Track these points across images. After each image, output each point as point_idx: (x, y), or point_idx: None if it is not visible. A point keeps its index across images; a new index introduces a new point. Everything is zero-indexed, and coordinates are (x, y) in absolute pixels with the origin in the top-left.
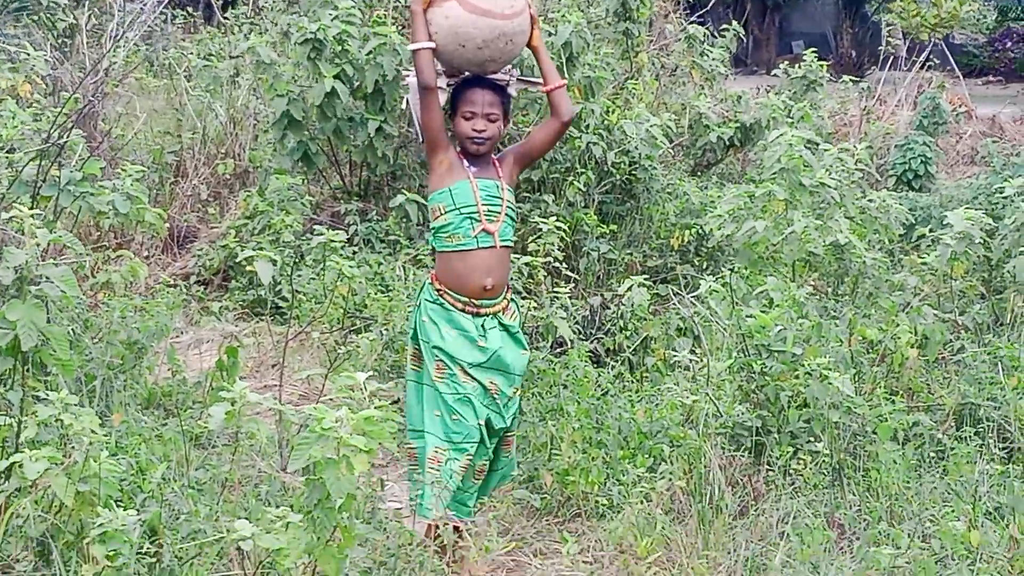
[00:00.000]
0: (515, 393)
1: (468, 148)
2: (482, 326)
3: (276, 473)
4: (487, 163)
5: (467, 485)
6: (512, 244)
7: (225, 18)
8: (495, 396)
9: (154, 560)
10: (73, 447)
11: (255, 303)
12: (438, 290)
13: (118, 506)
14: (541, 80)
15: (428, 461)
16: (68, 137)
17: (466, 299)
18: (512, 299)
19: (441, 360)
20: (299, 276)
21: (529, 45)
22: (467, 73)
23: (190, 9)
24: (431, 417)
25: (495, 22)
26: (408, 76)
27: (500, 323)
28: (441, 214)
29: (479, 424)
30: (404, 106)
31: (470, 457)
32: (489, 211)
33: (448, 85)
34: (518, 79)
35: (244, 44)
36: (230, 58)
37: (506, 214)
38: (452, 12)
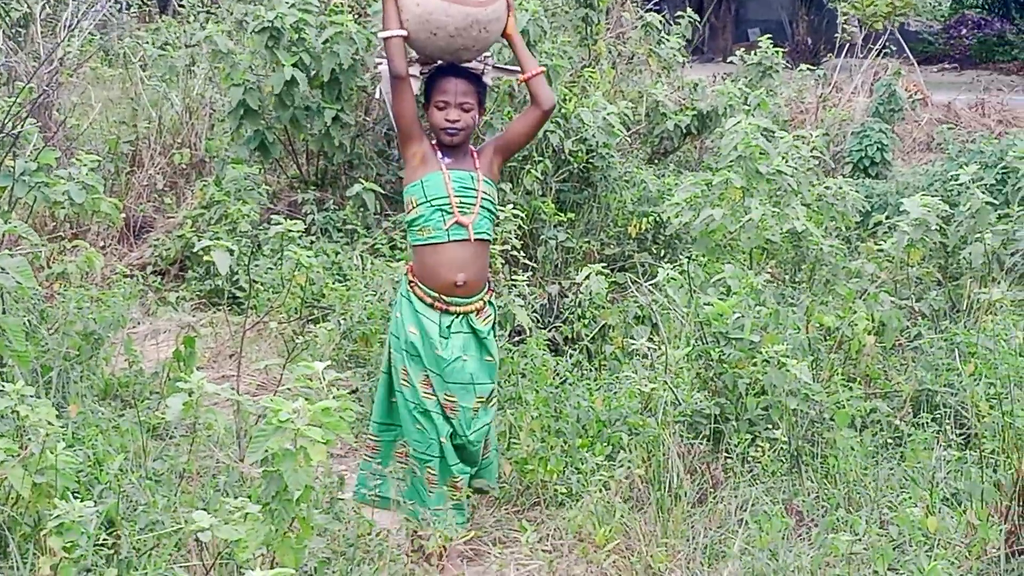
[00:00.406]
0: (480, 405)
1: (442, 139)
2: (447, 327)
3: (234, 464)
4: (463, 154)
5: (440, 500)
6: (489, 238)
7: (180, 6)
8: (453, 411)
9: (112, 551)
10: (29, 438)
11: (212, 293)
12: (411, 282)
13: (75, 497)
14: (518, 68)
15: (394, 451)
16: (23, 127)
17: (436, 294)
18: (489, 301)
19: (404, 365)
20: (256, 266)
21: (504, 34)
22: (440, 62)
23: None
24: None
25: (468, 9)
26: (380, 64)
27: (470, 325)
28: (413, 207)
29: (440, 440)
30: (377, 95)
31: (432, 471)
32: (462, 203)
33: (421, 74)
34: (494, 67)
35: (200, 33)
36: (186, 47)
37: (481, 206)
38: None
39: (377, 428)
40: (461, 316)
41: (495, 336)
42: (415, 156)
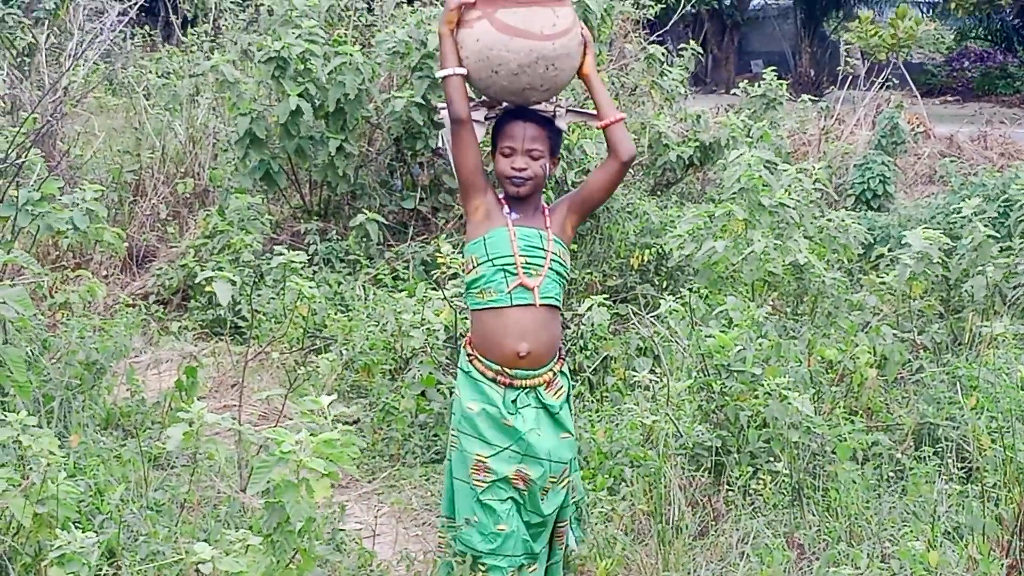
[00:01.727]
0: (553, 484)
1: (508, 189)
2: (513, 402)
3: (235, 494)
4: (533, 210)
5: None
6: (559, 305)
7: (184, 37)
8: (523, 489)
9: None
10: (31, 468)
11: (214, 323)
12: (469, 355)
13: (76, 528)
14: (595, 113)
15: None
16: (26, 156)
17: (498, 367)
18: (561, 372)
19: (462, 446)
20: (259, 296)
21: (580, 73)
22: (506, 104)
23: (149, 27)
24: (466, 512)
25: (532, 44)
26: (443, 109)
27: (539, 400)
28: (474, 266)
29: (519, 533)
30: (439, 144)
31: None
32: (529, 264)
33: (487, 119)
34: (568, 110)
35: (206, 63)
36: (190, 76)
37: (551, 268)
38: (482, 33)
39: (443, 524)
40: (527, 390)
41: (571, 410)
42: (478, 210)
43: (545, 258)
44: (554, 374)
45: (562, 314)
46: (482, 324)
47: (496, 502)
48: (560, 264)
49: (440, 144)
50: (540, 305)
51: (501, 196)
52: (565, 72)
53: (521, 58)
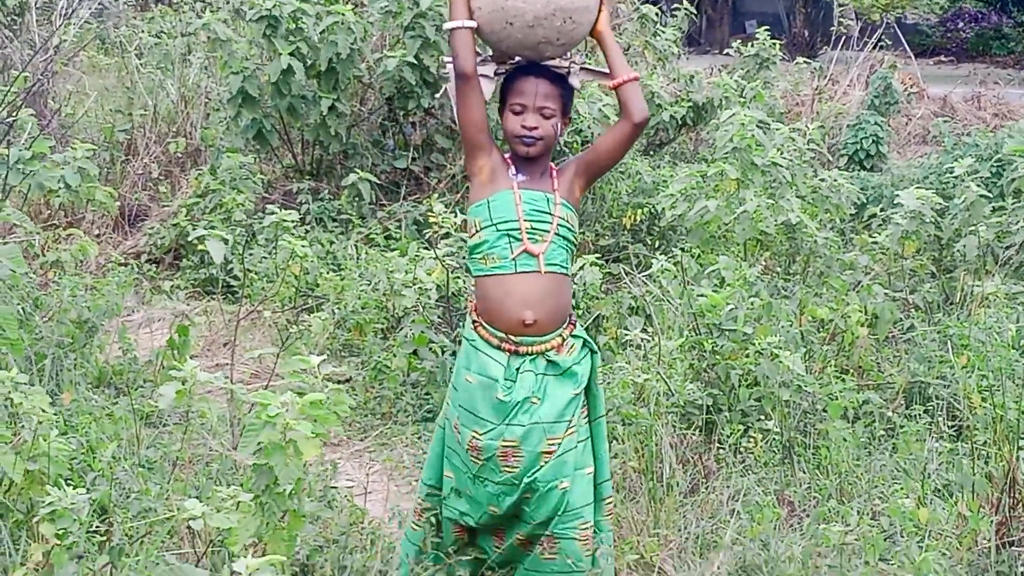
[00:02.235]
0: (554, 448)
1: (516, 149)
2: (517, 369)
3: (227, 452)
4: (541, 171)
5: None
6: (567, 272)
7: None
8: (517, 458)
9: (104, 538)
10: (22, 426)
11: (206, 282)
12: (474, 322)
13: (68, 485)
14: (608, 72)
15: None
16: (17, 115)
17: (503, 334)
18: (573, 336)
19: (457, 420)
20: (251, 255)
21: (593, 30)
22: (519, 59)
23: None
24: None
25: None
26: (448, 63)
27: (550, 361)
28: (477, 230)
29: (491, 510)
30: (440, 95)
31: (461, 529)
32: (534, 228)
33: (496, 74)
34: (582, 68)
35: (198, 21)
36: (182, 36)
37: (557, 234)
38: None
39: (425, 492)
40: (534, 356)
41: (595, 367)
42: (482, 171)
43: (551, 223)
44: (563, 339)
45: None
46: (485, 291)
47: (490, 483)
48: (568, 229)
49: (441, 95)
50: (546, 272)
51: (508, 156)
52: (582, 26)
53: (538, 9)
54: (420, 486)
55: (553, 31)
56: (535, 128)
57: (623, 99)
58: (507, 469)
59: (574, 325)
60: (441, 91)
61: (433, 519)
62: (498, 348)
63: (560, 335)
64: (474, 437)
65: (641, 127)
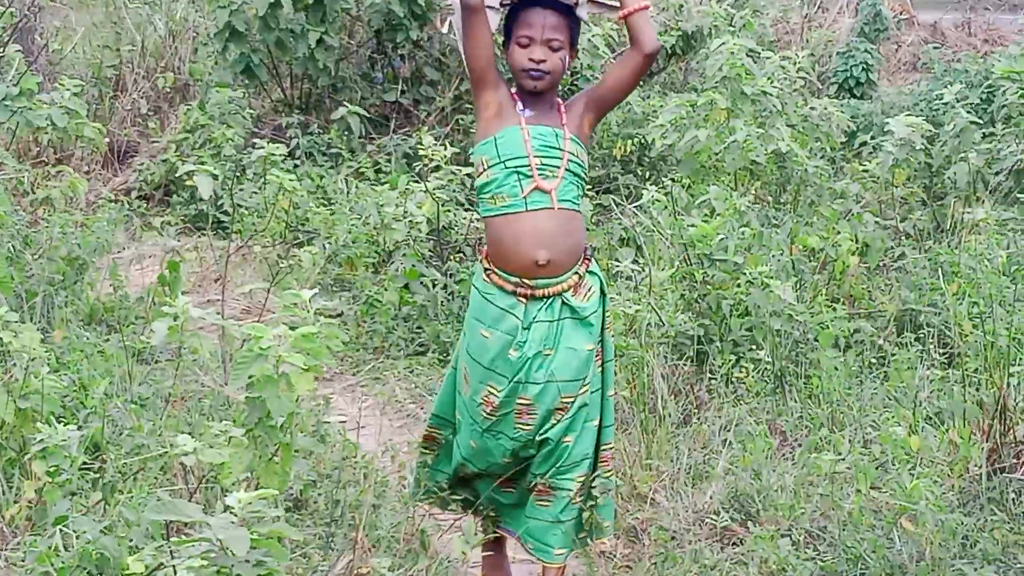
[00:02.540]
0: (566, 405)
1: (523, 83)
2: (533, 318)
3: (219, 388)
4: (548, 107)
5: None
6: (579, 208)
7: None
8: (531, 416)
9: (97, 475)
10: (14, 364)
11: (196, 218)
12: (486, 270)
13: (60, 422)
14: (616, 4)
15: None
16: (4, 51)
17: (517, 278)
18: (590, 272)
19: (467, 370)
20: (240, 190)
21: None
22: None
23: None
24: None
25: None
26: None
27: (566, 304)
28: (485, 169)
29: (504, 461)
30: (445, 30)
31: (441, 480)
32: (544, 164)
33: (503, 5)
34: (590, 0)
35: None
36: None
37: (568, 169)
38: None
39: (435, 420)
40: (550, 300)
41: (604, 311)
42: (488, 107)
43: (562, 159)
44: (580, 276)
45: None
46: (496, 232)
47: (503, 437)
48: (578, 165)
49: (447, 30)
50: (559, 209)
51: (514, 91)
52: None
53: None
54: (431, 416)
55: None
56: (543, 61)
57: (633, 29)
58: (521, 427)
59: (589, 261)
60: (447, 24)
61: (442, 444)
62: (513, 294)
63: (577, 272)
64: (491, 393)
65: (652, 58)
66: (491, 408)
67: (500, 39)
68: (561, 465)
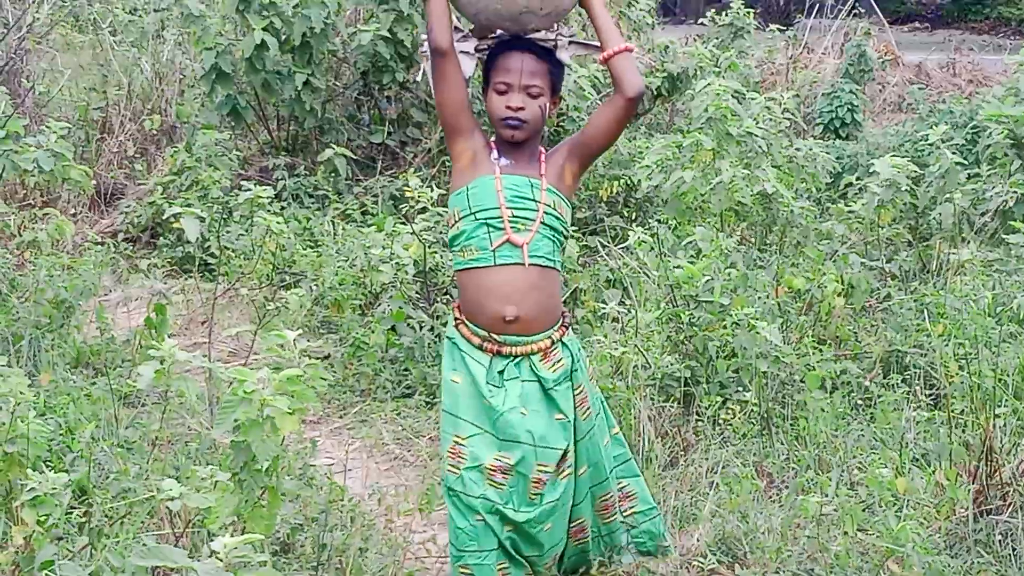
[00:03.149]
0: (547, 476)
1: (501, 133)
2: (500, 373)
3: (205, 431)
4: (528, 156)
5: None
6: (555, 265)
7: None
8: (505, 476)
9: (84, 519)
10: (1, 408)
11: (183, 260)
12: (456, 319)
13: (47, 467)
14: (599, 44)
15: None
16: None
17: (485, 332)
18: (563, 342)
19: (455, 437)
20: (227, 232)
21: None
22: (501, 32)
23: None
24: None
25: None
26: (425, 39)
27: (533, 372)
28: (456, 220)
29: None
30: (419, 77)
31: (465, 570)
32: (516, 217)
33: (477, 50)
34: (571, 42)
35: None
36: (155, 12)
37: (543, 223)
38: None
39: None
40: (518, 360)
41: (573, 388)
42: (462, 156)
43: (537, 211)
44: (552, 342)
45: (563, 275)
46: (465, 286)
47: (467, 496)
48: (555, 218)
49: (421, 77)
50: (530, 265)
51: (492, 140)
52: None
53: None
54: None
55: (536, 0)
56: (521, 109)
57: (616, 72)
58: (494, 485)
59: (566, 329)
60: (420, 71)
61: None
62: (480, 348)
63: (549, 336)
64: (456, 441)
65: (636, 102)
66: (456, 460)
67: (481, 83)
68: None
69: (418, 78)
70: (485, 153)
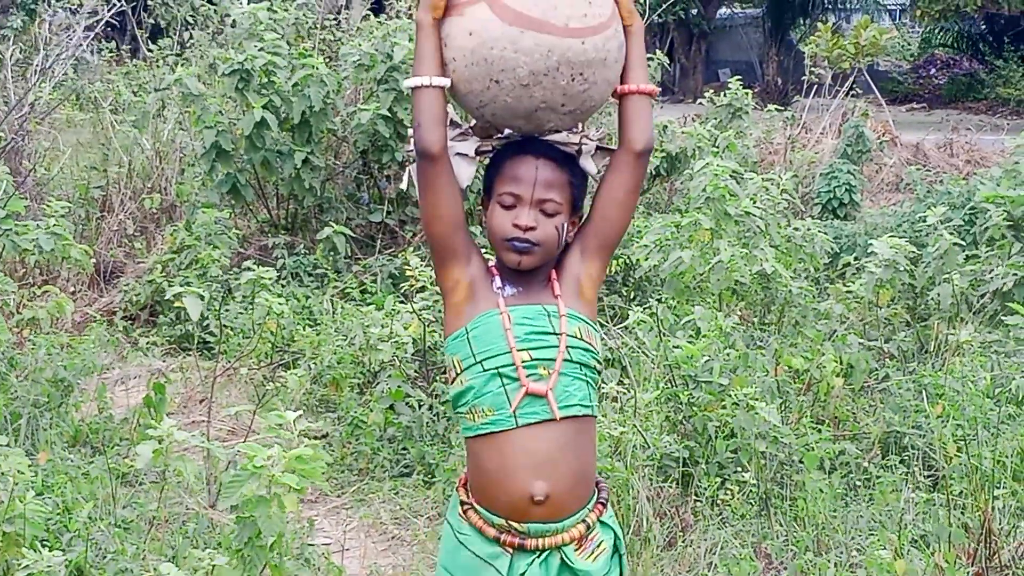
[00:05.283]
0: None
1: (505, 258)
2: (522, 575)
3: (204, 510)
4: (538, 280)
5: None
6: (592, 412)
7: (150, 51)
8: None
9: None
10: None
11: (183, 338)
12: (463, 503)
13: (44, 546)
14: None
15: None
16: None
17: (502, 520)
18: (602, 522)
19: None
20: (227, 311)
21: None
22: (509, 132)
23: (116, 42)
24: None
25: (552, 40)
26: (412, 137)
27: (567, 565)
28: (457, 374)
29: None
30: (404, 186)
31: None
32: (535, 360)
33: (479, 152)
34: (599, 147)
35: (170, 77)
36: (155, 91)
37: (568, 359)
38: (480, 23)
39: None
40: (545, 555)
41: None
42: (456, 289)
43: (558, 346)
44: (589, 526)
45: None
46: (477, 458)
47: None
48: (584, 350)
49: (405, 186)
50: (562, 419)
51: (493, 265)
52: (598, 86)
53: (535, 62)
54: None
55: (557, 93)
56: (531, 229)
57: (628, 115)
58: None
59: (604, 506)
60: (405, 180)
61: None
62: (496, 541)
63: (584, 520)
64: None
65: (645, 159)
66: None
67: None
68: None
69: (403, 186)
70: (486, 282)
